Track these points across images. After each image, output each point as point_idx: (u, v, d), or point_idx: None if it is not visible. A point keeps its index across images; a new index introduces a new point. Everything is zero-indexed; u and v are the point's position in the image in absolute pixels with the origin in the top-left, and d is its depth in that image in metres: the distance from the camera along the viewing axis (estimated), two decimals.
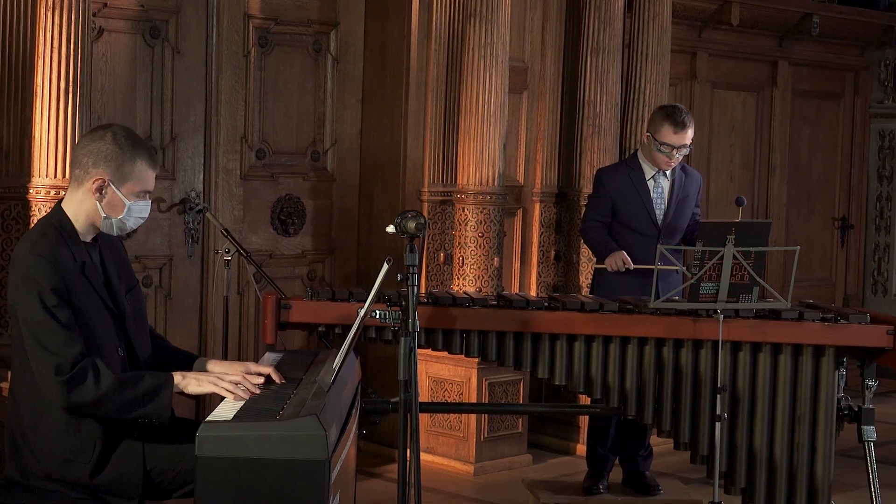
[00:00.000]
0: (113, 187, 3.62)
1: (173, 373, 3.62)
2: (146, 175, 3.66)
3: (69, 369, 3.43)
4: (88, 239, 3.67)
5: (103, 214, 3.64)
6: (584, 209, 6.71)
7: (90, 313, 3.56)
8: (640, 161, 5.81)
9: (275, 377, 3.73)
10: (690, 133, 5.65)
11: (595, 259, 5.92)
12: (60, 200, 3.71)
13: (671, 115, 5.62)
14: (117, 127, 3.71)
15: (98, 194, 3.61)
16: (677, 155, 5.68)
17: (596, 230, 5.79)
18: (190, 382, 3.61)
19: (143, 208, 3.70)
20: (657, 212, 5.77)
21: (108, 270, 3.70)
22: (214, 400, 3.63)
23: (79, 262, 3.58)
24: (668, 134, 5.62)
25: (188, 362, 3.86)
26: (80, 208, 3.64)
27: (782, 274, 8.61)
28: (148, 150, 3.70)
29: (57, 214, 3.65)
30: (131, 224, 3.70)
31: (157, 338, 3.96)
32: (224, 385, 3.60)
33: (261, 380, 3.70)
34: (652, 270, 4.98)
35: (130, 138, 3.65)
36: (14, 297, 3.52)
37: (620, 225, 5.79)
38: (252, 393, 3.60)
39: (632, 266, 5.57)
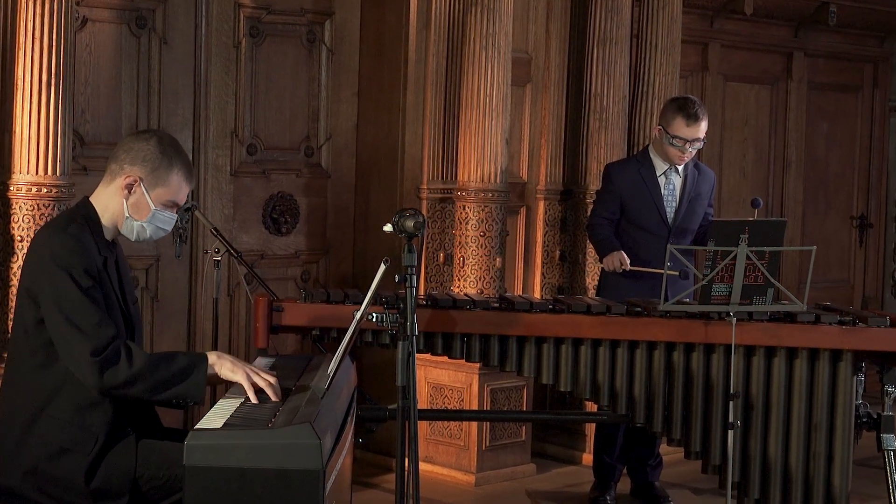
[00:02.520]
0: (143, 188, 3.71)
1: (209, 352, 3.67)
2: (179, 186, 3.76)
3: (103, 350, 3.49)
4: (109, 239, 3.76)
5: (126, 214, 3.72)
6: (590, 207, 6.73)
7: (109, 309, 3.62)
8: (651, 156, 5.81)
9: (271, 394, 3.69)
10: (704, 126, 5.66)
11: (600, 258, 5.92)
12: (87, 196, 3.79)
13: (684, 108, 5.62)
14: (163, 133, 3.88)
15: (126, 192, 3.70)
16: (690, 149, 5.68)
17: (601, 227, 5.80)
18: (224, 364, 3.65)
19: (167, 219, 3.78)
20: (668, 210, 5.77)
21: (122, 276, 3.78)
22: (203, 408, 3.63)
23: (102, 256, 3.67)
24: (680, 127, 5.63)
25: None
26: (108, 205, 3.73)
27: (798, 275, 8.61)
28: (188, 163, 3.80)
29: (84, 206, 3.75)
30: (150, 232, 3.77)
31: None
32: (259, 382, 3.61)
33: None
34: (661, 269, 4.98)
35: (173, 146, 3.77)
36: (37, 277, 3.57)
37: (628, 223, 5.79)
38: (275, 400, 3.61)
39: (628, 267, 5.58)
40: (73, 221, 3.67)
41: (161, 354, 3.64)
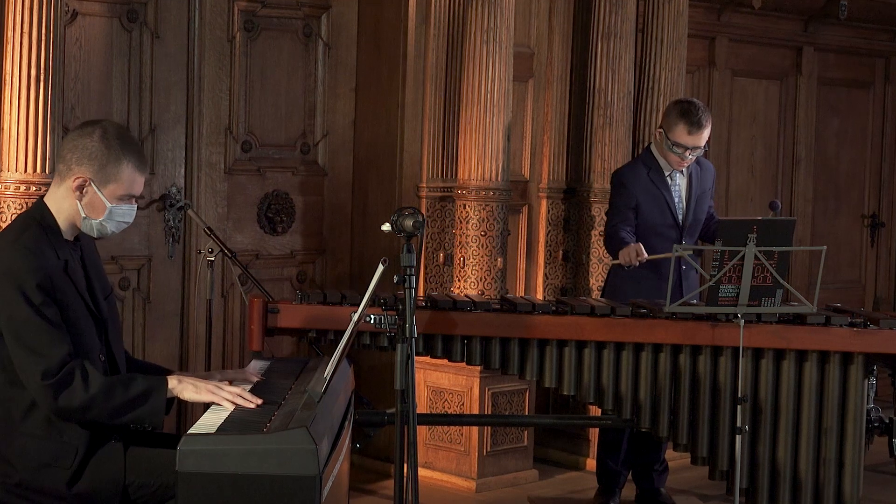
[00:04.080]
0: (94, 187, 3.65)
1: (169, 376, 3.65)
2: (132, 179, 3.69)
3: (56, 372, 3.45)
4: (70, 238, 3.71)
5: (83, 215, 3.68)
6: (593, 205, 6.74)
7: (73, 315, 3.59)
8: (656, 157, 5.79)
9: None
10: (706, 134, 5.64)
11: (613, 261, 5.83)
12: (42, 195, 3.75)
13: (686, 115, 5.58)
14: (108, 124, 3.74)
15: (78, 193, 3.65)
16: (690, 156, 5.67)
17: (617, 236, 5.68)
18: (186, 387, 3.62)
19: (126, 212, 3.73)
20: (678, 210, 5.76)
21: (89, 273, 3.74)
22: (197, 411, 3.63)
23: (62, 260, 3.62)
24: (681, 134, 5.61)
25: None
26: (62, 206, 3.68)
27: (808, 276, 8.61)
28: (138, 152, 3.72)
29: (39, 209, 3.70)
30: (112, 228, 3.72)
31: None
32: (225, 395, 3.60)
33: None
34: (669, 270, 4.97)
35: (119, 138, 3.68)
36: None
37: (639, 225, 5.74)
38: (254, 407, 3.59)
39: (644, 256, 5.49)
40: (28, 228, 3.62)
41: (119, 378, 3.61)
